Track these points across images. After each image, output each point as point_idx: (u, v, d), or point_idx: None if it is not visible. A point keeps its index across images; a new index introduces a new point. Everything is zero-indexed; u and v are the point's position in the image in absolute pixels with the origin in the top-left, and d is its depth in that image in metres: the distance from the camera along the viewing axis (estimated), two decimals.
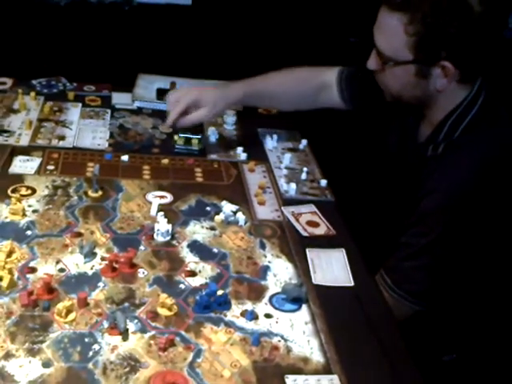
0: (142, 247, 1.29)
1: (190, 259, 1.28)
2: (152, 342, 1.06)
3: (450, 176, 1.37)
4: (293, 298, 1.18)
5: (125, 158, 1.59)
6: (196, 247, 1.31)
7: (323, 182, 1.59)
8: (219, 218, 1.40)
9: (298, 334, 1.12)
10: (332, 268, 1.29)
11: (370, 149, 1.73)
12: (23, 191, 1.41)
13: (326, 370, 1.05)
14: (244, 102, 1.75)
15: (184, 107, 1.62)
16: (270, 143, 1.75)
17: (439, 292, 1.42)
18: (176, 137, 1.71)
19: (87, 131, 1.71)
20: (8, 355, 1.00)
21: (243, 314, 1.15)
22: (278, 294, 1.21)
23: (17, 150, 1.56)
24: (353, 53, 1.82)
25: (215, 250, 1.31)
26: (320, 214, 1.46)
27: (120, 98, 1.91)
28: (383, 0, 1.35)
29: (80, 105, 1.85)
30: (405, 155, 1.53)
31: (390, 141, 1.60)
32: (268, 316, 1.15)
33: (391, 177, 1.61)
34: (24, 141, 1.61)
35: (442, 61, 1.32)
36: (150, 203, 1.42)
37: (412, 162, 1.49)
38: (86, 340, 1.05)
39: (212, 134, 1.76)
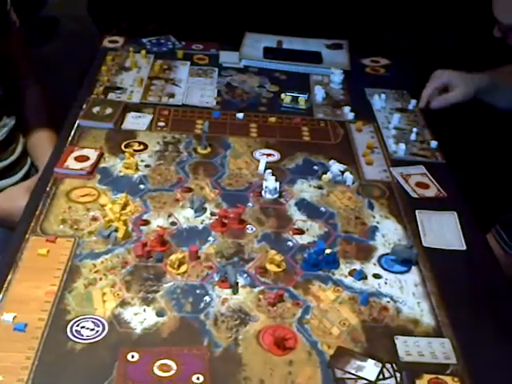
0: (250, 204, 1.30)
1: (298, 217, 1.28)
2: (261, 296, 1.07)
3: None
4: (402, 260, 1.16)
5: (240, 115, 1.61)
6: (303, 206, 1.31)
7: (433, 144, 1.54)
8: (326, 177, 1.39)
9: (408, 295, 1.10)
10: (443, 231, 1.26)
11: (482, 107, 1.65)
12: (136, 146, 1.45)
13: (436, 333, 1.03)
14: (485, 91, 1.66)
15: (435, 89, 1.62)
16: (378, 103, 1.71)
17: None
18: (283, 95, 1.71)
19: (195, 89, 1.73)
20: (124, 303, 1.04)
21: (351, 273, 1.14)
22: (387, 254, 1.19)
23: (129, 107, 1.60)
24: None
25: (323, 209, 1.30)
26: (430, 176, 1.42)
27: (227, 57, 1.91)
28: None
29: (188, 63, 1.87)
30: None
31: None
32: (377, 276, 1.14)
33: (504, 135, 1.55)
34: (136, 98, 1.65)
35: None
36: (258, 161, 1.42)
37: None
38: (198, 291, 1.07)
39: (319, 93, 1.74)
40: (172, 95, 1.68)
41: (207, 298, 1.06)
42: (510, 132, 1.53)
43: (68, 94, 1.68)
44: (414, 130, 1.58)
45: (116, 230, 1.17)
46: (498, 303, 1.10)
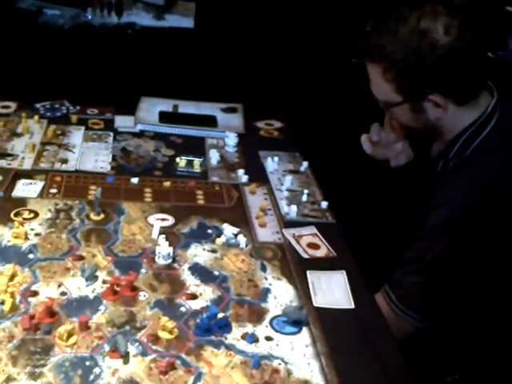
0: (143, 270, 1.30)
1: (191, 282, 1.28)
2: (153, 365, 1.06)
3: (457, 190, 1.38)
4: (293, 321, 1.19)
5: (134, 180, 1.62)
6: (197, 270, 1.32)
7: (324, 204, 1.59)
8: (220, 240, 1.41)
9: (299, 356, 1.12)
10: (333, 290, 1.29)
11: (374, 166, 1.73)
12: (26, 215, 1.42)
13: None
14: None
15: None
16: (271, 165, 1.76)
17: (443, 309, 1.42)
18: (178, 159, 1.73)
19: (90, 154, 1.72)
20: (9, 379, 1.01)
21: (244, 336, 1.15)
22: (278, 316, 1.21)
23: (20, 174, 1.58)
24: (354, 74, 1.83)
25: (216, 273, 1.32)
26: (321, 236, 1.46)
27: (123, 121, 1.92)
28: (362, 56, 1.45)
29: (83, 128, 1.86)
30: (414, 170, 1.55)
31: None
32: (268, 339, 1.15)
33: (396, 193, 1.63)
34: (27, 164, 1.62)
35: (429, 95, 1.38)
36: (152, 226, 1.43)
37: (421, 177, 1.51)
38: (87, 363, 1.05)
39: (214, 157, 1.77)
40: (65, 161, 1.67)
41: (97, 370, 1.04)
42: (404, 189, 1.60)
43: None
44: (306, 191, 1.63)
45: (2, 303, 1.14)
46: (386, 361, 1.14)
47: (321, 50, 2.78)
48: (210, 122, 1.97)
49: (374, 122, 1.60)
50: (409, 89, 1.39)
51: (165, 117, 1.96)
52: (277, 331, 1.17)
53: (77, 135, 1.82)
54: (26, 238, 1.34)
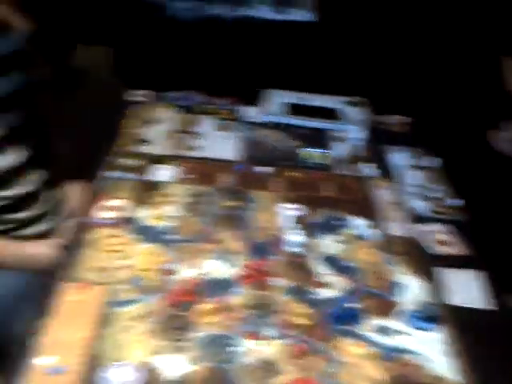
0: (274, 257, 1.33)
1: (322, 271, 1.30)
2: (289, 348, 1.09)
3: None
4: (428, 317, 1.18)
5: (262, 169, 1.65)
6: (327, 260, 1.34)
7: (455, 202, 1.57)
8: (349, 232, 1.42)
9: (434, 352, 1.12)
10: (468, 289, 1.28)
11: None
12: (161, 197, 1.48)
13: None
14: None
15: None
16: (398, 159, 1.75)
17: None
18: (304, 151, 1.75)
19: (219, 142, 1.77)
20: (154, 351, 1.06)
21: (375, 328, 1.16)
22: (411, 311, 1.21)
23: (155, 159, 1.64)
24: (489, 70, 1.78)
25: (346, 264, 1.33)
26: (452, 234, 1.44)
27: (249, 112, 1.96)
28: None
29: (212, 117, 1.92)
30: None
31: None
32: (401, 332, 1.16)
33: None
34: (161, 150, 1.69)
35: None
36: (281, 214, 1.45)
37: None
38: (226, 341, 1.09)
39: (339, 149, 1.78)
40: (196, 148, 1.72)
41: (235, 349, 1.08)
42: None
43: (94, 145, 1.73)
44: (436, 187, 1.61)
45: (144, 280, 1.20)
46: None
47: (452, 43, 2.70)
48: (335, 114, 1.98)
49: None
50: None
51: (291, 109, 1.98)
52: (410, 326, 1.17)
53: (206, 124, 1.88)
54: (164, 220, 1.40)
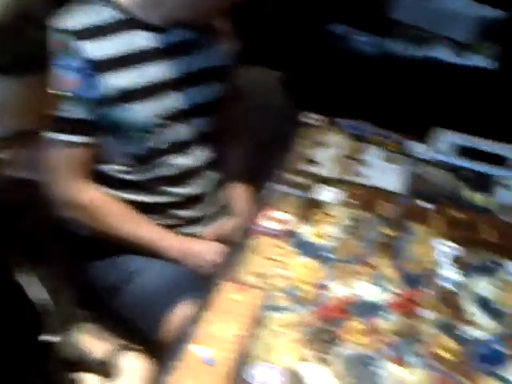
0: (427, 289, 1.35)
1: (473, 310, 1.31)
2: (431, 378, 1.11)
3: None
4: None
5: (427, 205, 1.68)
6: (479, 300, 1.34)
7: None
8: (506, 277, 1.41)
9: None
10: None
11: None
12: (325, 217, 1.55)
13: None
14: None
15: None
16: None
17: None
18: (469, 192, 1.76)
19: (385, 173, 1.82)
20: (303, 359, 1.13)
21: None
22: None
23: (322, 180, 1.72)
24: None
25: (498, 307, 1.32)
26: None
27: (418, 148, 1.99)
28: None
29: (379, 148, 1.97)
30: None
31: None
32: None
33: None
34: (329, 173, 1.76)
35: None
36: (438, 250, 1.47)
37: None
38: (371, 362, 1.13)
39: (503, 195, 1.77)
40: (362, 175, 1.78)
41: (379, 371, 1.12)
42: None
43: (263, 158, 1.83)
44: None
45: (301, 291, 1.27)
46: None
47: None
48: (503, 161, 1.96)
49: None
50: None
51: (460, 150, 1.99)
52: None
53: (373, 154, 1.93)
54: (325, 238, 1.46)
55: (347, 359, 1.13)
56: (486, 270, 1.44)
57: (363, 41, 2.95)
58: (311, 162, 1.81)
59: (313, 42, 2.92)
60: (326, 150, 1.90)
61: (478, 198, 1.76)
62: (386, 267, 1.40)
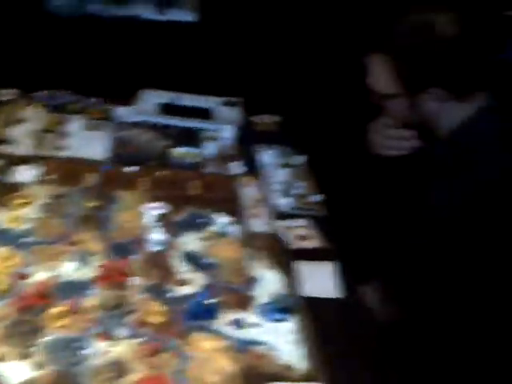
0: (135, 256, 1.32)
1: (182, 269, 1.31)
2: (141, 347, 1.09)
3: (452, 187, 1.40)
4: (281, 308, 1.21)
5: (129, 169, 1.64)
6: (188, 257, 1.34)
7: (316, 197, 1.62)
8: (212, 229, 1.44)
9: (284, 342, 1.15)
10: (320, 280, 1.32)
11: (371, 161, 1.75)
12: (22, 199, 1.44)
13: (310, 378, 1.08)
14: None
15: None
16: (267, 158, 1.78)
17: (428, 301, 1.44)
18: (175, 150, 1.75)
19: (88, 142, 1.75)
20: (0, 357, 1.04)
21: (231, 322, 1.18)
22: (266, 303, 1.23)
23: (18, 160, 1.60)
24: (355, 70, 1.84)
25: (207, 260, 1.34)
26: (311, 228, 1.49)
27: (122, 112, 1.95)
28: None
29: (82, 117, 1.89)
30: (410, 164, 1.57)
31: None
32: (255, 325, 1.18)
33: (393, 187, 1.64)
34: (25, 150, 1.65)
35: (429, 88, 1.39)
36: (145, 214, 1.45)
37: (416, 172, 1.53)
38: (76, 344, 1.08)
39: (210, 148, 1.80)
40: (63, 148, 1.69)
41: (86, 351, 1.07)
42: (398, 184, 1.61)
43: None
44: (299, 184, 1.65)
45: None
46: (369, 348, 1.17)
47: (324, 44, 2.78)
48: (207, 114, 2.00)
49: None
50: (410, 80, 1.40)
51: (163, 108, 1.98)
52: (264, 318, 1.20)
53: (76, 123, 1.84)
54: (22, 222, 1.36)
55: (49, 347, 1.06)
56: (192, 225, 1.45)
57: (61, 3, 2.80)
58: (4, 141, 1.68)
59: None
60: (21, 126, 1.78)
61: (186, 154, 1.76)
62: (92, 241, 1.34)
